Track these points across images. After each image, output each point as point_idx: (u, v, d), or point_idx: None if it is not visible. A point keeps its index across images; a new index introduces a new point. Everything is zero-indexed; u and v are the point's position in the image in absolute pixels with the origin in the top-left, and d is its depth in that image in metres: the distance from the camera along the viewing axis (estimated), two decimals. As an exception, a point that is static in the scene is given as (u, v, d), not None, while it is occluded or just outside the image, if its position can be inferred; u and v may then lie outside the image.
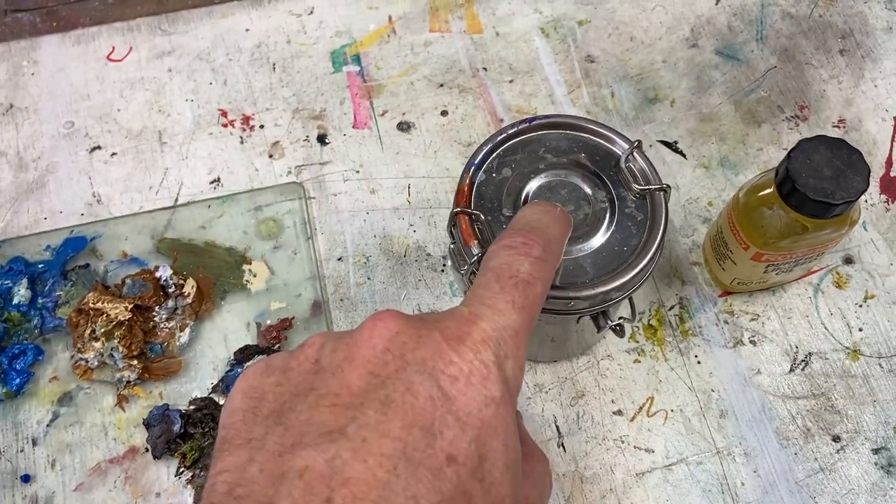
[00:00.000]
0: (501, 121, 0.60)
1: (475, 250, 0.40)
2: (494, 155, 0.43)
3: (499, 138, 0.43)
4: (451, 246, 0.43)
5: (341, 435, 0.23)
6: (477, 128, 0.60)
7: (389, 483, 0.22)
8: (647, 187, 0.42)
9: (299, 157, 0.59)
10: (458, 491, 0.23)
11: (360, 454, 0.23)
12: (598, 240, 0.41)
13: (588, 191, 0.42)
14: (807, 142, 0.43)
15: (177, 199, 0.58)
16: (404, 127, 0.60)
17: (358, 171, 0.59)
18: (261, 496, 0.22)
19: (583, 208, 0.42)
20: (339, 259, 0.55)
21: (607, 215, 0.42)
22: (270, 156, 0.59)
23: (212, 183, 0.58)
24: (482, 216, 0.41)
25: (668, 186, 0.41)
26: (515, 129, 0.44)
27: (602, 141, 0.43)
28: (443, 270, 0.55)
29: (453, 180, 0.58)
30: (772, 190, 0.44)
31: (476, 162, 0.43)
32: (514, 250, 0.30)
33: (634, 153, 0.43)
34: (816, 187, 0.41)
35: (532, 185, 0.42)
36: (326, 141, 0.60)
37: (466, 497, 0.23)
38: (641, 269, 0.40)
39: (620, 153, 0.43)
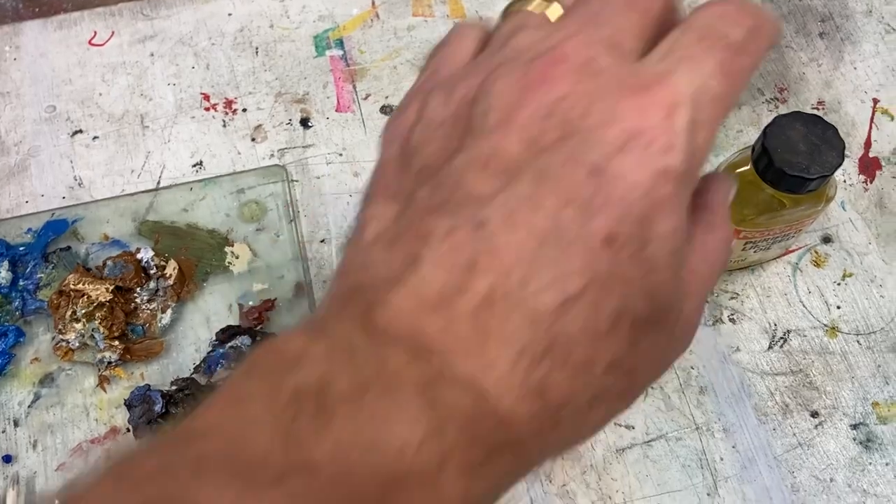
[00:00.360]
0: (484, 104, 0.60)
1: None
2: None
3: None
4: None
5: (491, 202, 0.21)
6: (459, 111, 0.60)
7: (537, 258, 0.20)
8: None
9: (282, 141, 0.59)
10: (613, 274, 0.20)
11: (509, 225, 0.20)
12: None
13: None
14: (783, 118, 0.43)
15: (159, 183, 0.58)
16: (388, 110, 0.60)
17: (341, 154, 0.59)
18: (407, 248, 0.21)
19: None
20: (323, 241, 0.56)
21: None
22: (253, 139, 0.59)
23: (194, 166, 0.58)
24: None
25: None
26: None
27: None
28: (425, 252, 0.55)
29: (436, 163, 0.58)
30: (749, 167, 0.45)
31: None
32: (724, 17, 0.23)
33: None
34: (792, 162, 0.42)
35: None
36: (309, 124, 0.60)
37: (622, 281, 0.21)
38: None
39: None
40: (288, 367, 0.20)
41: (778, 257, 0.53)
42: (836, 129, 0.43)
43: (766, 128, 0.43)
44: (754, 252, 0.49)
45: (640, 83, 0.21)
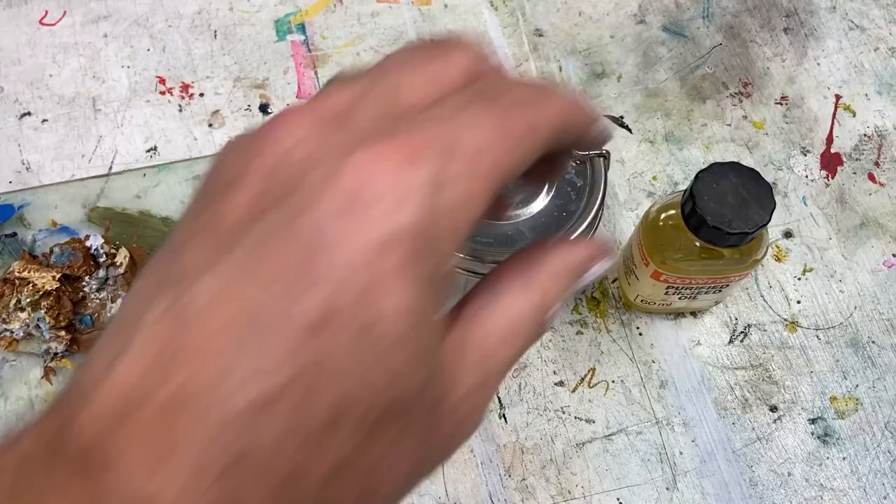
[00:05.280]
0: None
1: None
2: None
3: (439, 102, 0.43)
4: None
5: (202, 276, 0.18)
6: (423, 99, 0.59)
7: (239, 346, 0.17)
8: (586, 153, 0.41)
9: (240, 127, 0.58)
10: (328, 362, 0.17)
11: (214, 305, 0.17)
12: (538, 205, 0.41)
13: (528, 156, 0.42)
14: (719, 165, 0.41)
15: (111, 168, 0.56)
16: (349, 97, 0.59)
17: (301, 142, 0.57)
18: (123, 335, 0.18)
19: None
20: (280, 230, 0.54)
21: (548, 182, 0.41)
22: (210, 125, 0.58)
23: (148, 151, 0.56)
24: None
25: (608, 152, 0.41)
26: (456, 93, 0.43)
27: (543, 107, 0.43)
28: (386, 242, 0.54)
29: (398, 152, 0.57)
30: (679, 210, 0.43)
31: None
32: (517, 83, 0.21)
33: (575, 119, 0.42)
34: (715, 212, 0.40)
35: (472, 150, 0.42)
36: (269, 111, 0.58)
37: (341, 370, 0.17)
38: (580, 234, 0.39)
39: (561, 119, 0.42)
40: None
41: (706, 308, 0.51)
42: (771, 188, 0.40)
43: (700, 172, 0.41)
44: (679, 298, 0.47)
45: (383, 133, 0.18)
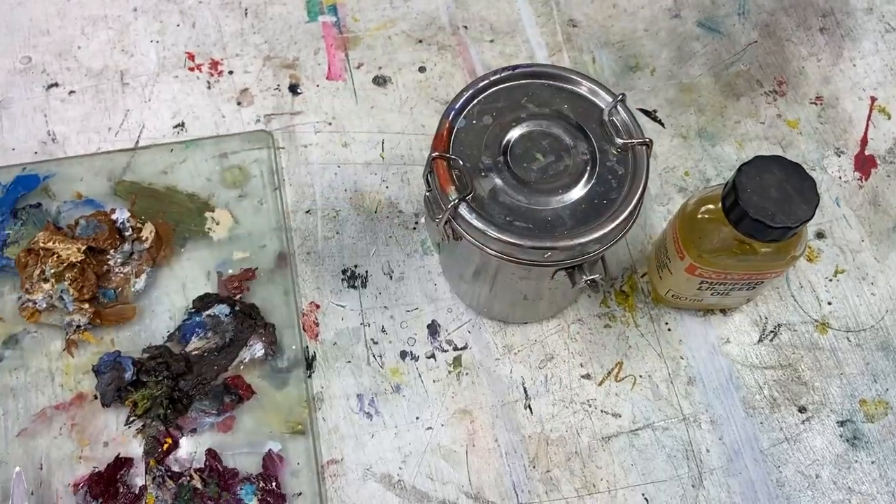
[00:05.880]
0: (480, 80, 0.59)
1: (452, 196, 0.39)
2: (475, 101, 0.42)
3: (480, 84, 0.42)
4: (427, 193, 0.42)
5: None
6: (455, 86, 0.58)
7: None
8: (629, 141, 0.41)
9: (269, 106, 0.57)
10: None
11: None
12: (578, 192, 0.40)
13: (569, 142, 0.41)
14: (761, 159, 0.40)
15: (137, 142, 0.55)
16: (380, 81, 0.58)
17: (330, 124, 0.57)
18: None
19: (563, 159, 0.41)
20: (308, 212, 0.54)
21: (588, 168, 0.40)
22: (239, 103, 0.57)
23: (175, 127, 0.56)
24: (461, 162, 0.40)
25: (651, 141, 0.41)
26: (498, 76, 0.42)
27: (586, 93, 0.42)
28: (415, 228, 0.53)
29: (429, 138, 0.56)
30: (720, 205, 0.42)
31: (456, 107, 0.41)
32: None
33: (618, 107, 0.42)
34: (758, 205, 0.39)
35: (513, 134, 0.41)
36: (298, 91, 0.58)
37: None
38: (621, 223, 0.39)
39: (604, 106, 0.42)
40: None
41: (739, 305, 0.51)
42: (815, 183, 0.40)
43: (743, 165, 0.40)
44: (711, 294, 0.47)
45: None
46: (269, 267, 0.51)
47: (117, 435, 0.45)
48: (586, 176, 0.40)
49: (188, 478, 0.44)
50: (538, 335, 0.50)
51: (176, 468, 0.44)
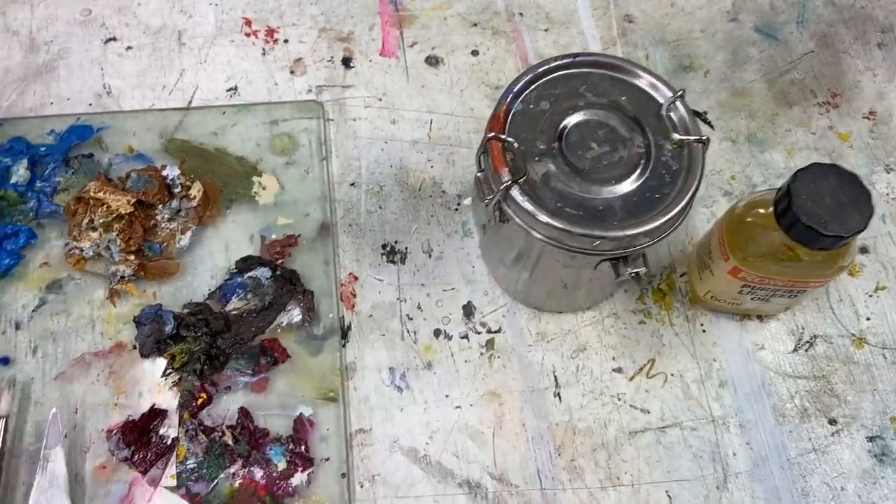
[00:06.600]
0: (532, 68, 0.59)
1: (505, 178, 0.39)
2: (534, 86, 0.42)
3: (540, 69, 0.42)
4: (479, 174, 0.42)
5: None
6: (507, 72, 0.58)
7: None
8: (686, 137, 0.41)
9: (321, 77, 0.57)
10: None
11: None
12: (630, 184, 0.40)
13: (625, 134, 0.41)
14: (818, 166, 0.40)
15: (190, 102, 0.56)
16: (433, 61, 0.59)
17: (380, 100, 0.57)
18: None
19: (618, 150, 0.41)
20: (352, 184, 0.54)
21: (642, 161, 0.40)
22: (292, 72, 0.57)
23: (228, 90, 0.56)
24: (515, 144, 0.40)
25: (708, 139, 0.40)
26: (558, 62, 0.42)
27: (645, 86, 0.42)
28: (456, 209, 0.54)
29: (477, 121, 0.57)
30: (770, 210, 0.42)
31: (515, 90, 0.42)
32: None
33: (677, 102, 0.41)
34: (811, 212, 0.39)
35: (569, 121, 0.41)
36: (351, 65, 0.58)
37: None
38: (672, 218, 0.39)
39: (662, 101, 0.42)
40: None
41: (776, 314, 0.50)
42: (870, 195, 0.39)
43: (799, 171, 0.40)
44: (751, 299, 0.47)
45: None
46: (311, 235, 0.51)
47: (153, 386, 0.46)
48: (640, 168, 0.40)
49: (220, 433, 0.44)
50: (572, 325, 0.50)
51: (209, 423, 0.45)
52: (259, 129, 0.55)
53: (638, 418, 0.48)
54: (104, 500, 0.43)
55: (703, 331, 0.50)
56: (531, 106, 0.41)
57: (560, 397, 0.48)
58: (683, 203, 0.39)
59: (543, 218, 0.38)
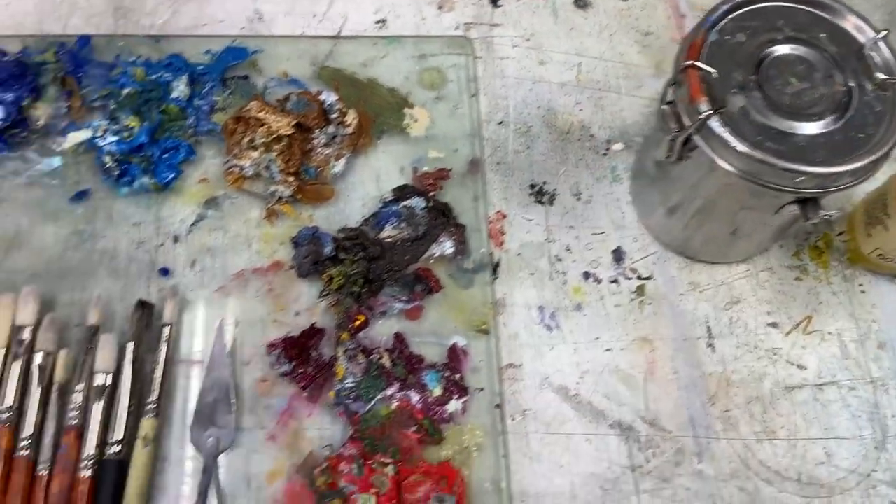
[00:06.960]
0: (683, 16, 0.57)
1: (703, 108, 0.38)
2: (730, 17, 0.41)
3: (738, 0, 0.41)
4: (664, 107, 0.41)
5: None
6: (657, 19, 0.57)
7: None
8: (891, 78, 0.39)
9: (469, 15, 0.57)
10: None
11: None
12: (833, 123, 0.39)
13: (825, 71, 0.40)
14: None
15: (339, 32, 0.55)
16: (581, 4, 0.57)
17: (528, 40, 0.56)
18: None
19: (819, 87, 0.39)
20: (500, 123, 0.53)
21: (844, 100, 0.39)
22: (440, 7, 0.57)
23: (377, 23, 0.56)
24: (713, 74, 0.39)
25: (915, 81, 0.39)
26: (756, -5, 0.41)
27: (846, 25, 0.41)
28: (605, 154, 0.53)
29: (627, 67, 0.55)
30: None
31: (712, 19, 0.40)
32: None
33: (880, 43, 0.40)
34: None
35: (767, 54, 0.40)
36: (499, 3, 0.57)
37: None
38: (880, 157, 0.37)
39: (864, 40, 0.40)
40: None
41: None
42: None
43: None
44: None
45: None
46: (461, 171, 0.51)
47: (310, 306, 0.46)
48: (843, 108, 0.39)
49: (378, 356, 0.44)
50: (725, 277, 0.49)
51: (366, 345, 0.45)
52: (408, 63, 0.54)
53: (794, 374, 0.47)
54: (265, 413, 0.43)
55: (862, 291, 0.49)
56: (727, 37, 0.40)
57: (713, 348, 0.47)
58: (887, 147, 0.38)
59: (745, 150, 0.37)
